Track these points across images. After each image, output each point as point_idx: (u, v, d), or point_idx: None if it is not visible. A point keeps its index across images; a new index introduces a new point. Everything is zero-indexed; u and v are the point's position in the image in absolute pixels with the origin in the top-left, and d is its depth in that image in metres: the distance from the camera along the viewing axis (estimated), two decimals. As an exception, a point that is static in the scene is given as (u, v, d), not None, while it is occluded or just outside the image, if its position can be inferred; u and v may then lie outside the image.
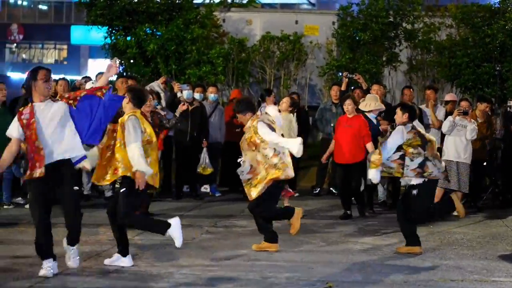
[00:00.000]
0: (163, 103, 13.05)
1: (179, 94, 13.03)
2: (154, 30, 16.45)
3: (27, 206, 11.89)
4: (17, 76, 44.27)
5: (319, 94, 17.12)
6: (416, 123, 9.71)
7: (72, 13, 64.75)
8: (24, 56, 69.81)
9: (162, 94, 13.15)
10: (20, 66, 63.15)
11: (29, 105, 7.70)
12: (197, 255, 8.84)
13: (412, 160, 9.18)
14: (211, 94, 14.01)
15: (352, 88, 13.92)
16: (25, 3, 68.03)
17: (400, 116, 9.48)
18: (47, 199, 7.68)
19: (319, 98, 17.02)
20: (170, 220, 8.09)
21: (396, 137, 9.25)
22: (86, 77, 15.02)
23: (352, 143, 11.62)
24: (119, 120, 8.17)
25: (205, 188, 14.21)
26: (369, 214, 12.10)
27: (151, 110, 11.28)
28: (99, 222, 10.89)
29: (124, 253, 8.22)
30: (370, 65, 15.85)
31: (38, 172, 7.51)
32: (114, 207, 8.17)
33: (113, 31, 16.74)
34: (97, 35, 17.34)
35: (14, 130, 7.71)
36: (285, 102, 12.26)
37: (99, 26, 16.74)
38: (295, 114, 12.81)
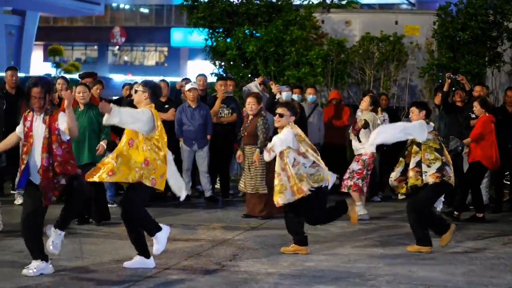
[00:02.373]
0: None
1: (278, 96, 13.06)
2: (254, 31, 16.55)
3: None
4: (119, 78, 45.25)
5: (419, 95, 16.87)
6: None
7: (172, 15, 66.00)
8: (126, 58, 71.44)
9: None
10: (121, 68, 64.76)
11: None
12: (296, 256, 8.84)
13: (429, 166, 9.13)
14: (310, 95, 14.01)
15: (454, 89, 13.69)
16: (127, 6, 69.64)
17: (416, 114, 9.38)
18: None
19: (419, 99, 16.76)
20: (163, 226, 8.18)
21: (420, 131, 9.20)
22: (185, 78, 15.25)
23: (472, 144, 11.59)
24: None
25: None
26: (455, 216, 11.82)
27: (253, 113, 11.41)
28: (199, 221, 11.06)
29: (146, 254, 8.20)
30: (472, 66, 15.54)
31: None
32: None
33: (214, 33, 16.92)
34: (196, 37, 17.55)
35: None
36: (365, 101, 12.11)
37: (200, 29, 16.95)
38: (378, 112, 12.67)
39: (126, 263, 8.12)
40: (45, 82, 7.70)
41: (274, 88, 12.83)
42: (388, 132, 9.44)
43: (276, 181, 8.87)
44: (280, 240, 9.63)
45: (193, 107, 12.89)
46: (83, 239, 9.49)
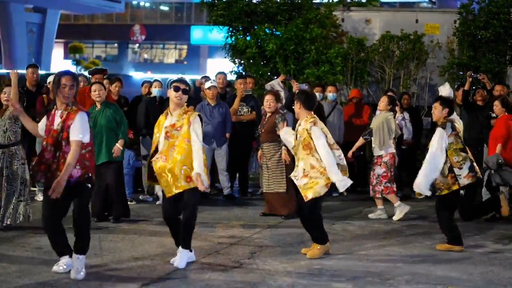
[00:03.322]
0: (283, 101, 13.09)
1: (297, 94, 13.03)
2: (274, 30, 16.54)
3: (158, 202, 12.09)
4: (139, 76, 45.35)
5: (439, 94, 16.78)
6: (455, 116, 9.53)
7: (192, 13, 66.06)
8: (145, 56, 71.61)
9: (282, 93, 13.12)
10: (142, 66, 64.92)
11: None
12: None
13: (461, 168, 9.10)
14: (330, 94, 13.98)
15: (474, 88, 13.62)
16: (147, 4, 69.79)
17: (439, 111, 9.27)
18: None
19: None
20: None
21: (440, 142, 9.04)
22: (205, 76, 15.26)
23: (490, 145, 11.53)
24: (184, 113, 8.01)
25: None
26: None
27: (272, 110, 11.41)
28: (218, 219, 11.06)
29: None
30: (493, 64, 15.46)
31: None
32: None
33: (234, 32, 16.92)
34: (216, 35, 17.55)
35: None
36: (383, 101, 12.05)
37: (220, 27, 16.94)
38: (398, 112, 12.61)
39: (173, 260, 8.12)
40: (74, 73, 7.69)
41: (294, 86, 12.83)
42: (430, 175, 9.08)
43: (304, 180, 8.62)
44: (298, 238, 9.62)
45: (212, 105, 12.90)
46: (102, 236, 9.51)
